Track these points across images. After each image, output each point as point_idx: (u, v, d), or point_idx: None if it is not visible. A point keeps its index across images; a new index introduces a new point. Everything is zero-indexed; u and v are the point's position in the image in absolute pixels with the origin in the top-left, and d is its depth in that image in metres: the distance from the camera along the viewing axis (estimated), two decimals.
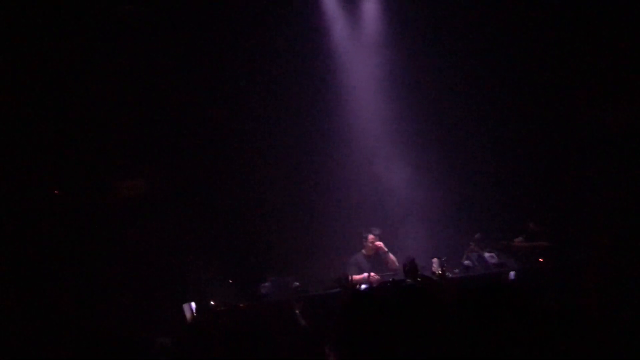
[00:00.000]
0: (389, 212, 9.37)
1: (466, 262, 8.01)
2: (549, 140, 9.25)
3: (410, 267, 6.41)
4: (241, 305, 7.71)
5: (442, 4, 9.19)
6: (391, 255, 8.42)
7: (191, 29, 8.98)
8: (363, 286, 6.89)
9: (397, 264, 8.16)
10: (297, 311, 6.27)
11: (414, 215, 9.14)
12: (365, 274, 7.93)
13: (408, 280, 6.13)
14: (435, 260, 7.62)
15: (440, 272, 6.93)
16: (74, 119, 8.73)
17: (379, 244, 8.51)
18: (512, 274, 7.03)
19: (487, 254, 7.88)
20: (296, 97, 9.50)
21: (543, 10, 8.89)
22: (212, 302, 7.70)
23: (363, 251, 8.61)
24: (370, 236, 8.59)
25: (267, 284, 8.26)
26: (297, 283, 8.25)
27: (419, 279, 5.95)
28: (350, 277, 7.48)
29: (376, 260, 8.44)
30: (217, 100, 9.30)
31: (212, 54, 9.20)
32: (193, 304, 7.05)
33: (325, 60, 9.48)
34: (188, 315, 6.92)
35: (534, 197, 9.02)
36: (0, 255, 7.97)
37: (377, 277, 7.78)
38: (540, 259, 7.81)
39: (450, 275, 7.75)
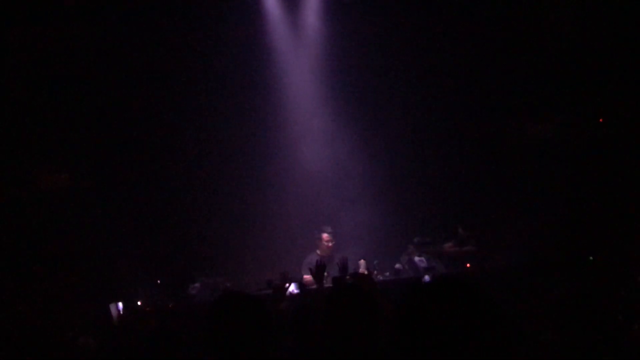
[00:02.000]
0: (324, 210, 9.31)
1: (397, 265, 8.13)
2: (480, 146, 9.48)
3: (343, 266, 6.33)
4: (169, 306, 7.54)
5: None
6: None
7: (123, 22, 8.72)
8: (292, 288, 6.78)
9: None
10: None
11: (348, 216, 9.14)
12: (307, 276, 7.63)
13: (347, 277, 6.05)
14: (362, 261, 7.72)
15: (366, 273, 6.98)
16: None
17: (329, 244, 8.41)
18: (426, 277, 7.18)
19: (416, 258, 8.03)
20: (231, 93, 9.30)
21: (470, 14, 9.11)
22: (139, 303, 7.49)
23: (317, 251, 8.44)
24: (324, 235, 8.47)
25: (196, 284, 8.12)
26: (228, 284, 8.13)
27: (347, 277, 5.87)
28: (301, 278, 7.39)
29: (331, 261, 8.07)
30: (150, 94, 9.04)
31: (146, 46, 8.94)
32: (120, 304, 6.85)
33: (263, 57, 9.36)
34: (114, 315, 6.72)
35: (463, 202, 9.23)
36: None
37: (309, 278, 7.67)
38: (468, 264, 8.02)
39: (381, 278, 7.88)
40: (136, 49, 8.87)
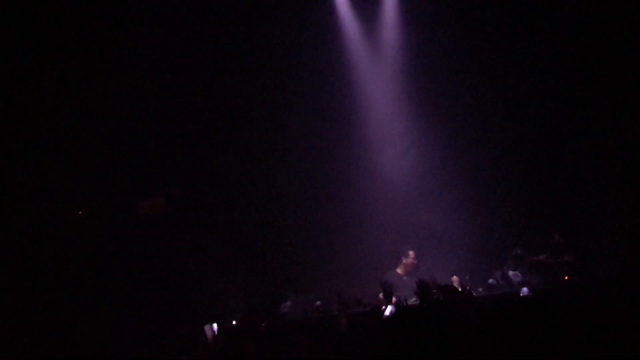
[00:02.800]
0: (414, 232, 9.19)
1: (490, 280, 7.87)
2: (577, 149, 9.04)
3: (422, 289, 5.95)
4: (262, 324, 7.65)
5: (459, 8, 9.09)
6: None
7: (201, 33, 9.02)
8: (389, 310, 6.64)
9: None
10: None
11: (436, 237, 8.97)
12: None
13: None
14: (455, 278, 7.52)
15: (460, 289, 6.78)
16: (93, 137, 8.86)
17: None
18: (524, 290, 6.86)
19: (511, 272, 7.73)
20: (313, 106, 9.43)
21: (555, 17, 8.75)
22: (234, 322, 7.66)
23: (398, 270, 8.39)
24: (411, 253, 8.37)
25: (287, 302, 8.22)
26: (318, 302, 8.19)
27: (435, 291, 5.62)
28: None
29: (411, 280, 7.85)
30: (231, 110, 9.33)
31: (226, 61, 9.21)
32: (215, 325, 7.04)
33: (339, 64, 9.40)
34: (209, 335, 6.90)
35: (560, 209, 8.82)
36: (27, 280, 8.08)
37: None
38: (566, 277, 7.63)
39: (474, 293, 7.64)
40: (225, 64, 9.17)
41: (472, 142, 9.36)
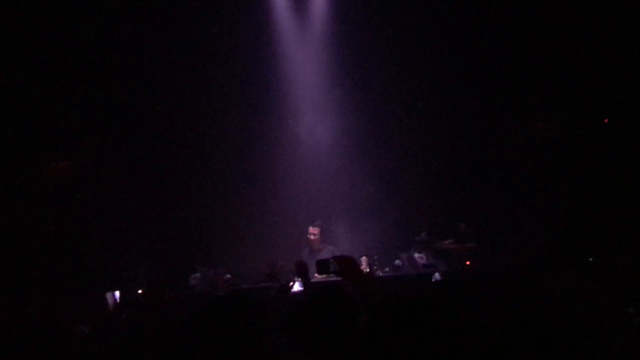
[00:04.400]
0: (322, 206, 9.29)
1: (397, 261, 8.10)
2: (482, 143, 9.42)
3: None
4: (169, 295, 7.54)
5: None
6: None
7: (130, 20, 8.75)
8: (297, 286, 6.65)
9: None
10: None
11: (346, 211, 9.13)
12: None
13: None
14: (364, 258, 7.67)
15: (367, 270, 6.93)
16: None
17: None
18: (437, 275, 7.11)
19: (416, 255, 7.98)
20: (238, 92, 9.36)
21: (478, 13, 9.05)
22: (139, 292, 7.52)
23: (309, 246, 8.41)
24: (311, 229, 8.37)
25: (196, 275, 8.14)
26: (228, 275, 8.15)
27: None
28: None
29: (321, 255, 7.88)
30: (155, 88, 9.11)
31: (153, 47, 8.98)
32: (117, 293, 6.87)
33: (264, 32, 9.36)
34: (110, 303, 6.74)
35: (465, 199, 9.17)
36: None
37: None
38: (468, 262, 7.96)
39: (380, 273, 7.85)
40: (143, 46, 8.91)
41: (388, 129, 9.55)
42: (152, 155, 9.23)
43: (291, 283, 6.02)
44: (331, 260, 3.16)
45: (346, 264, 3.01)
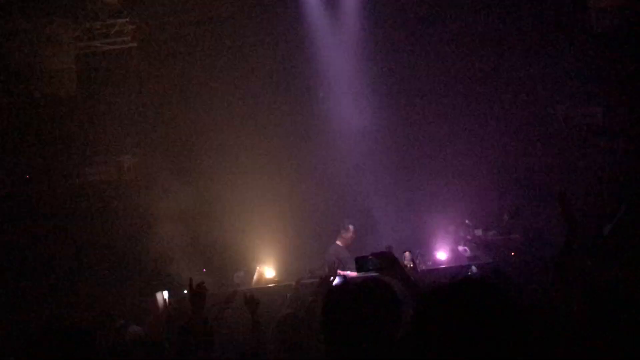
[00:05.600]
0: (365, 201, 9.28)
1: (439, 254, 8.08)
2: (528, 132, 9.28)
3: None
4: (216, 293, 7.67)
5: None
6: None
7: None
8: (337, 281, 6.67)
9: None
10: None
11: (390, 206, 9.10)
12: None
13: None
14: (407, 253, 7.55)
15: (411, 265, 6.92)
16: None
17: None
18: (473, 268, 6.97)
19: (460, 247, 7.95)
20: (270, 92, 9.46)
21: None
22: (185, 292, 7.65)
23: (338, 242, 8.04)
24: (351, 227, 8.03)
25: (241, 273, 8.27)
26: (272, 272, 8.26)
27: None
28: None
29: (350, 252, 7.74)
30: (194, 96, 9.26)
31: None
32: (165, 293, 7.00)
33: (303, 54, 9.44)
34: (160, 303, 6.87)
35: (509, 190, 9.06)
36: None
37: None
38: (512, 253, 7.87)
39: (423, 267, 7.83)
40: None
41: (432, 117, 9.51)
42: (198, 159, 9.37)
43: (332, 278, 6.05)
44: (369, 257, 3.11)
45: (386, 260, 2.98)
